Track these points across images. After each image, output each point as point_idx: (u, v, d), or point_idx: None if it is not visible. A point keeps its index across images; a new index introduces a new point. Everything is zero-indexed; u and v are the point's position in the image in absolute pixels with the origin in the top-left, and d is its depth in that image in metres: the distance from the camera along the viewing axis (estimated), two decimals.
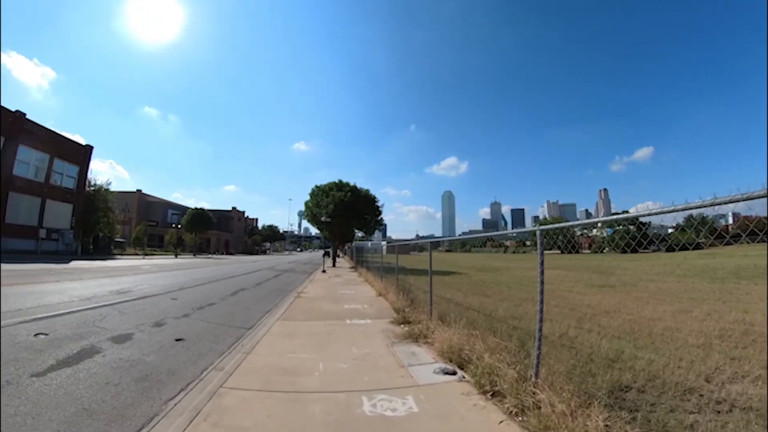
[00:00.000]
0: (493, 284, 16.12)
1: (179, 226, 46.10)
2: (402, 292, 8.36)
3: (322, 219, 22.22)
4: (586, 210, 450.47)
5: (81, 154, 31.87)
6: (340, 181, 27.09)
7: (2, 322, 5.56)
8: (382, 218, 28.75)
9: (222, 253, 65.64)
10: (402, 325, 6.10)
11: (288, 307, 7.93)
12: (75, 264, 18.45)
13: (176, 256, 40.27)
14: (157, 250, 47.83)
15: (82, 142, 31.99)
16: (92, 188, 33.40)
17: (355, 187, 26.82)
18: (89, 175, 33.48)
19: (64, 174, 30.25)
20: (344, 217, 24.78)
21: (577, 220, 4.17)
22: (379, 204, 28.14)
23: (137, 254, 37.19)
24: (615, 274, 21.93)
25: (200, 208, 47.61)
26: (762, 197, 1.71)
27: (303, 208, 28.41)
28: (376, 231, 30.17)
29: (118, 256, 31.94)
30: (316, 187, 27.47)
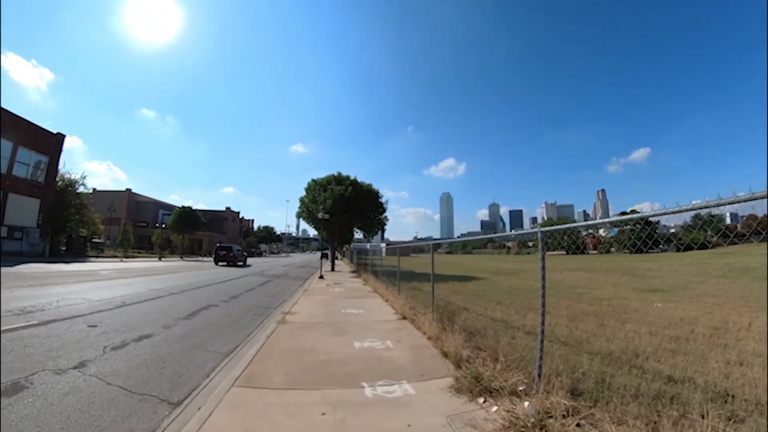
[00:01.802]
0: (529, 292, 13.10)
1: (164, 226, 42.60)
2: (446, 318, 5.31)
3: (319, 216, 19.07)
4: (584, 211, 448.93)
5: (51, 144, 28.55)
6: (339, 174, 23.89)
7: None
8: (386, 216, 25.61)
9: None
10: (482, 400, 3.04)
11: (262, 345, 4.83)
12: (20, 268, 15.22)
13: (160, 258, 36.92)
14: (143, 252, 44.48)
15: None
16: (65, 182, 30.03)
17: (355, 180, 23.64)
18: (61, 168, 30.22)
19: (31, 165, 26.92)
20: (344, 214, 21.61)
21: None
22: (383, 200, 25.03)
23: (117, 256, 33.87)
24: (647, 276, 19.67)
25: (188, 207, 44.04)
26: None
27: (300, 208, 25.09)
28: (378, 231, 26.93)
29: (93, 259, 28.62)
30: (313, 180, 24.26)
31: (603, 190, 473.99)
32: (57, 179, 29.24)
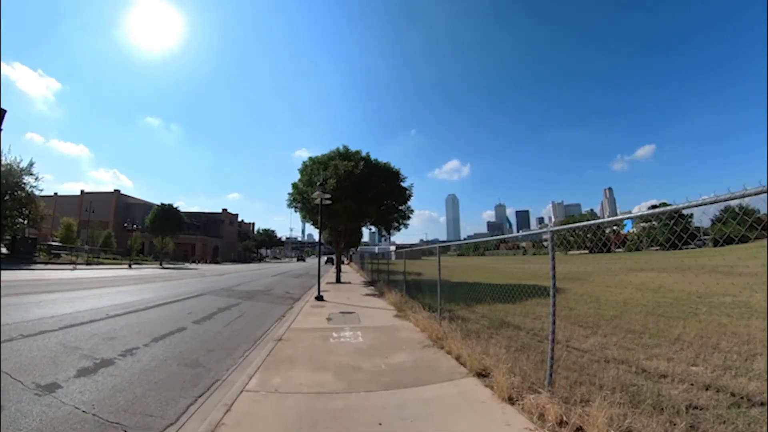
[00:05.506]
0: (682, 313, 6.63)
1: (135, 226, 36.35)
2: None
3: (314, 197, 12.66)
4: (591, 210, 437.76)
5: None
6: (347, 148, 17.39)
7: None
8: (409, 207, 19.01)
9: (206, 262, 56.08)
10: None
11: None
12: None
13: (131, 265, 30.79)
14: (119, 258, 38.33)
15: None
16: (4, 169, 23.93)
17: (368, 157, 17.17)
18: (5, 154, 24.17)
19: None
20: (354, 200, 15.15)
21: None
22: (406, 184, 18.32)
23: (74, 262, 27.76)
24: (743, 273, 13.97)
25: (168, 204, 37.62)
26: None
27: (291, 196, 18.34)
28: (400, 228, 20.02)
29: (38, 266, 22.63)
30: (310, 159, 17.79)
31: (610, 189, 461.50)
32: None
